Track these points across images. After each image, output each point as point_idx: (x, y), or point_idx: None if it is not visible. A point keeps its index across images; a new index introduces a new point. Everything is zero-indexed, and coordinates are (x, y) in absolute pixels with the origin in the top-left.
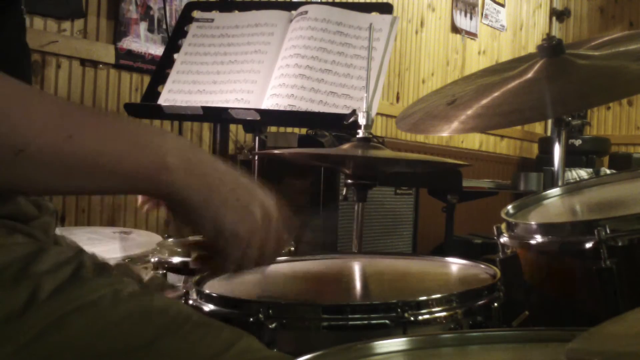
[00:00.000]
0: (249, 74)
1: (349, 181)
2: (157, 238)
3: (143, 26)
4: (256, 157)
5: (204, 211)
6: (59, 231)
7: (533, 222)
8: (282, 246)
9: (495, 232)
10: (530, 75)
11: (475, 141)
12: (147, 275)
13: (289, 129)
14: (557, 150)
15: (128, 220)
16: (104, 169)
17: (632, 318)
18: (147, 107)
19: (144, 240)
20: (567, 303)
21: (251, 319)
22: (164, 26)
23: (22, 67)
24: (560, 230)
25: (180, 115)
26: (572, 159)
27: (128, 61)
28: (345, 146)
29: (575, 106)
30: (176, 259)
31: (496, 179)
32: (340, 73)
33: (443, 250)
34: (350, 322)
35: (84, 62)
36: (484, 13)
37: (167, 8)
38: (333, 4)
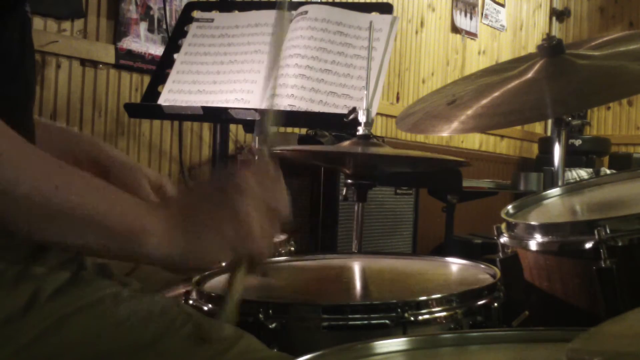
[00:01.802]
0: (249, 74)
1: (349, 181)
2: None
3: (143, 26)
4: (256, 157)
5: (189, 265)
6: None
7: (533, 222)
8: (272, 238)
9: (495, 232)
10: (530, 75)
11: (475, 141)
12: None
13: (289, 129)
14: (557, 150)
15: None
16: (86, 223)
17: (632, 318)
18: (147, 107)
19: None
20: (567, 303)
21: (251, 319)
22: (164, 26)
23: (25, 68)
24: (560, 230)
25: (180, 115)
26: (572, 159)
27: (128, 61)
28: (345, 143)
29: (575, 106)
30: None
31: (496, 179)
32: (340, 73)
33: (443, 250)
34: (350, 322)
35: (84, 62)
36: (484, 13)
37: (167, 8)
38: (333, 4)
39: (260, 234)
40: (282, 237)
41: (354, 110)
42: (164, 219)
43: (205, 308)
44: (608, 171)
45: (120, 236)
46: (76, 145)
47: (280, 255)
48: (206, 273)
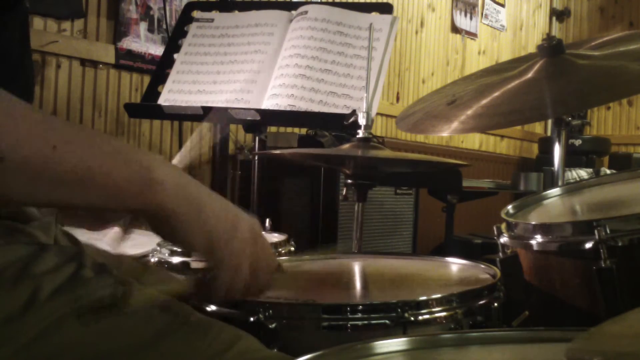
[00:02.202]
0: (249, 74)
1: (349, 181)
2: (157, 238)
3: (143, 26)
4: (256, 157)
5: (195, 226)
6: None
7: (533, 222)
8: (271, 273)
9: (495, 232)
10: (530, 75)
11: (475, 141)
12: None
13: (289, 129)
14: (557, 150)
15: None
16: (90, 183)
17: (632, 318)
18: (147, 107)
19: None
20: (567, 303)
21: (251, 319)
22: (164, 26)
23: (24, 67)
24: (560, 230)
25: (180, 115)
26: (572, 159)
27: (128, 61)
28: (345, 146)
29: (575, 106)
30: (176, 259)
31: (496, 179)
32: (340, 73)
33: (443, 250)
34: (350, 322)
35: (84, 62)
36: (484, 13)
37: (167, 8)
38: (333, 4)
39: (263, 258)
40: (282, 237)
41: (353, 112)
42: (173, 172)
43: (206, 308)
44: (608, 171)
45: (126, 190)
46: None
47: (280, 255)
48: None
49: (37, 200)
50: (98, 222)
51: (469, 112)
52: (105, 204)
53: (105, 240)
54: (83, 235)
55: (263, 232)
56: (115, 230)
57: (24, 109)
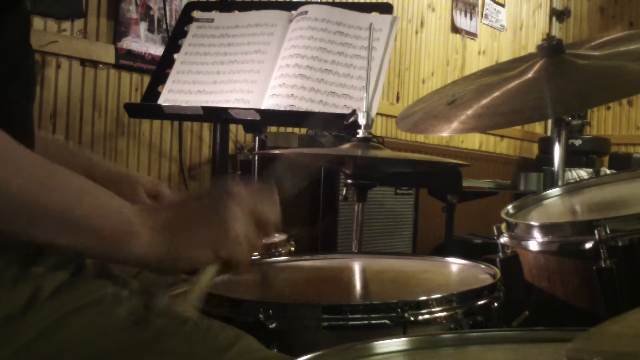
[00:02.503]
0: (249, 74)
1: (349, 181)
2: None
3: (143, 26)
4: (256, 157)
5: (179, 262)
6: None
7: (533, 222)
8: (270, 226)
9: (495, 232)
10: (530, 75)
11: (475, 141)
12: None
13: (289, 129)
14: (557, 150)
15: None
16: (72, 223)
17: (632, 318)
18: (147, 107)
19: None
20: (567, 303)
21: (251, 319)
22: (164, 26)
23: (25, 66)
24: (560, 230)
25: (180, 115)
26: (572, 159)
27: (128, 61)
28: (346, 146)
29: (575, 106)
30: None
31: (496, 179)
32: (340, 73)
33: (443, 250)
34: (350, 322)
35: (84, 62)
36: (484, 13)
37: (167, 8)
38: (333, 4)
39: (244, 239)
40: (282, 237)
41: (353, 112)
42: (150, 222)
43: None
44: (608, 171)
45: (105, 238)
46: (72, 158)
47: (280, 255)
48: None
49: (20, 234)
50: None
51: (469, 112)
52: (86, 249)
53: None
54: None
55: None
56: None
57: (13, 145)
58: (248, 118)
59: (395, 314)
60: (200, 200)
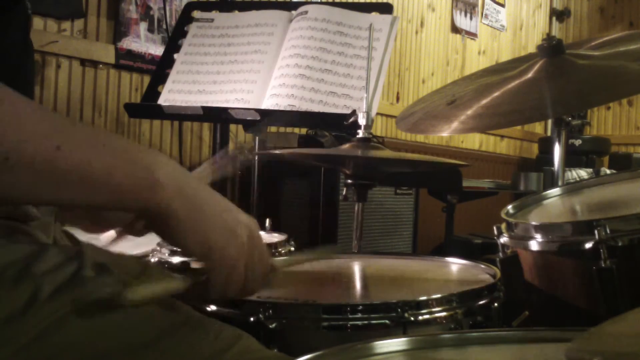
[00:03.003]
0: (249, 74)
1: (349, 181)
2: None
3: (143, 26)
4: (256, 157)
5: (191, 231)
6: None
7: (533, 222)
8: (266, 273)
9: (495, 232)
10: (530, 75)
11: (475, 141)
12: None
13: (289, 129)
14: (557, 150)
15: None
16: (93, 182)
17: (632, 318)
18: (147, 107)
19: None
20: (567, 303)
21: (251, 319)
22: (164, 26)
23: (25, 67)
24: (560, 230)
25: (180, 115)
26: (572, 159)
27: (128, 61)
28: (345, 146)
29: (575, 106)
30: (176, 259)
31: (496, 179)
32: (340, 73)
33: (443, 250)
34: (350, 322)
35: (84, 62)
36: (484, 13)
37: (167, 8)
38: (333, 4)
39: (260, 260)
40: (282, 237)
41: (353, 113)
42: (174, 171)
43: (206, 308)
44: (608, 171)
45: (128, 191)
46: None
47: (280, 255)
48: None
49: (39, 199)
50: (95, 225)
51: (469, 112)
52: (107, 204)
53: (101, 240)
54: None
55: (262, 233)
56: (109, 234)
57: (29, 108)
58: (248, 118)
59: (395, 314)
60: (219, 198)
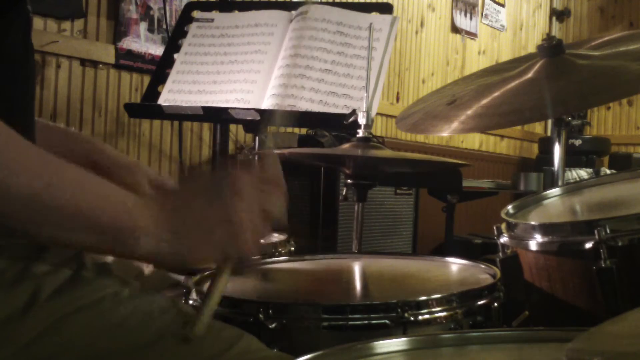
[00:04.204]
0: (249, 74)
1: (349, 181)
2: None
3: (143, 26)
4: (256, 157)
5: (187, 258)
6: None
7: (533, 222)
8: (263, 229)
9: (495, 232)
10: (530, 75)
11: (475, 141)
12: (148, 268)
13: (289, 129)
14: (557, 150)
15: None
16: (80, 222)
17: (632, 318)
18: (147, 107)
19: None
20: (567, 303)
21: (251, 319)
22: (164, 26)
23: (26, 68)
24: (560, 230)
25: (180, 115)
26: (572, 159)
27: (128, 61)
28: (345, 146)
29: (575, 106)
30: None
31: (496, 179)
32: (340, 73)
33: (443, 250)
34: (350, 322)
35: (84, 62)
36: (484, 13)
37: (167, 8)
38: (333, 4)
39: (250, 235)
40: (282, 237)
41: (353, 112)
42: (155, 215)
43: None
44: (608, 171)
45: (111, 232)
46: (75, 146)
47: (280, 255)
48: (205, 273)
49: (22, 231)
50: None
51: (469, 112)
52: (92, 243)
53: None
54: None
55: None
56: None
57: (22, 143)
58: (248, 118)
59: (395, 314)
60: (202, 193)
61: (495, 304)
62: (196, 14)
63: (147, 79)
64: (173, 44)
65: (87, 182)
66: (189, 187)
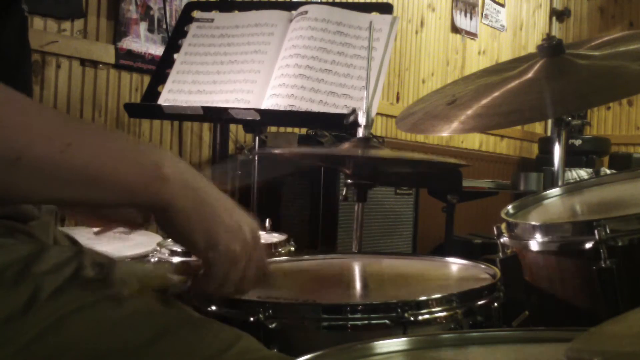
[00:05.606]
0: (249, 74)
1: (349, 181)
2: (157, 238)
3: (143, 26)
4: (256, 157)
5: (198, 225)
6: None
7: (533, 222)
8: (262, 273)
9: (495, 232)
10: (530, 75)
11: (475, 141)
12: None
13: (289, 129)
14: (557, 150)
15: None
16: (102, 180)
17: (632, 318)
18: (147, 107)
19: (144, 240)
20: (567, 303)
21: (251, 319)
22: (164, 26)
23: (22, 67)
24: (560, 230)
25: (180, 115)
26: (572, 159)
27: (128, 61)
28: (345, 146)
29: (575, 106)
30: (176, 259)
31: (496, 179)
32: (340, 73)
33: (443, 250)
34: (350, 322)
35: (84, 62)
36: (484, 13)
37: (167, 8)
38: (333, 4)
39: (258, 258)
40: (282, 237)
41: (353, 112)
42: (181, 166)
43: (207, 308)
44: (608, 171)
45: (135, 186)
46: None
47: (280, 255)
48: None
49: (49, 197)
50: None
51: (469, 112)
52: (116, 201)
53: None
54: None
55: (261, 233)
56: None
57: (36, 107)
58: (248, 118)
59: (395, 314)
60: (231, 202)
61: (495, 304)
62: (196, 14)
63: (147, 79)
64: (173, 44)
65: (107, 138)
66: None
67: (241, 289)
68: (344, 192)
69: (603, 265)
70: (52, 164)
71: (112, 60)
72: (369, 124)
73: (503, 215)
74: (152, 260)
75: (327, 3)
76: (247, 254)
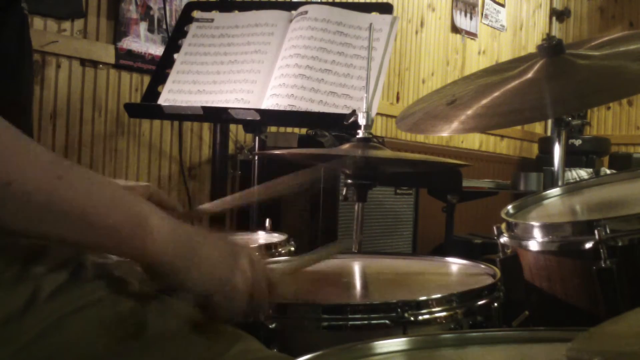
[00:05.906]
0: (249, 74)
1: (349, 181)
2: None
3: (143, 26)
4: (256, 157)
5: (186, 275)
6: None
7: (533, 222)
8: (270, 297)
9: (495, 232)
10: (530, 75)
11: (475, 141)
12: None
13: (289, 129)
14: (557, 150)
15: None
16: (90, 219)
17: (632, 318)
18: (147, 107)
19: None
20: (567, 303)
21: (251, 319)
22: (164, 26)
23: (23, 65)
24: (560, 230)
25: (180, 115)
26: (572, 159)
27: (128, 61)
28: (345, 146)
29: (575, 106)
30: None
31: (496, 179)
32: (340, 73)
33: (443, 250)
34: (350, 322)
35: (84, 62)
36: (484, 13)
37: (167, 8)
38: (333, 4)
39: (261, 283)
40: (282, 237)
41: (353, 112)
42: (167, 220)
43: None
44: (608, 171)
45: (120, 233)
46: None
47: (280, 255)
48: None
49: (36, 231)
50: None
51: (469, 112)
52: (101, 245)
53: None
54: None
55: (262, 233)
56: None
57: (29, 140)
58: (248, 118)
59: (395, 314)
60: (219, 238)
61: (495, 304)
62: (196, 14)
63: (147, 79)
64: (173, 44)
65: (96, 181)
66: (203, 230)
67: (257, 312)
68: (344, 192)
69: (603, 265)
70: (43, 193)
71: (112, 60)
72: (369, 124)
73: (503, 215)
74: None
75: (327, 3)
76: (249, 284)
